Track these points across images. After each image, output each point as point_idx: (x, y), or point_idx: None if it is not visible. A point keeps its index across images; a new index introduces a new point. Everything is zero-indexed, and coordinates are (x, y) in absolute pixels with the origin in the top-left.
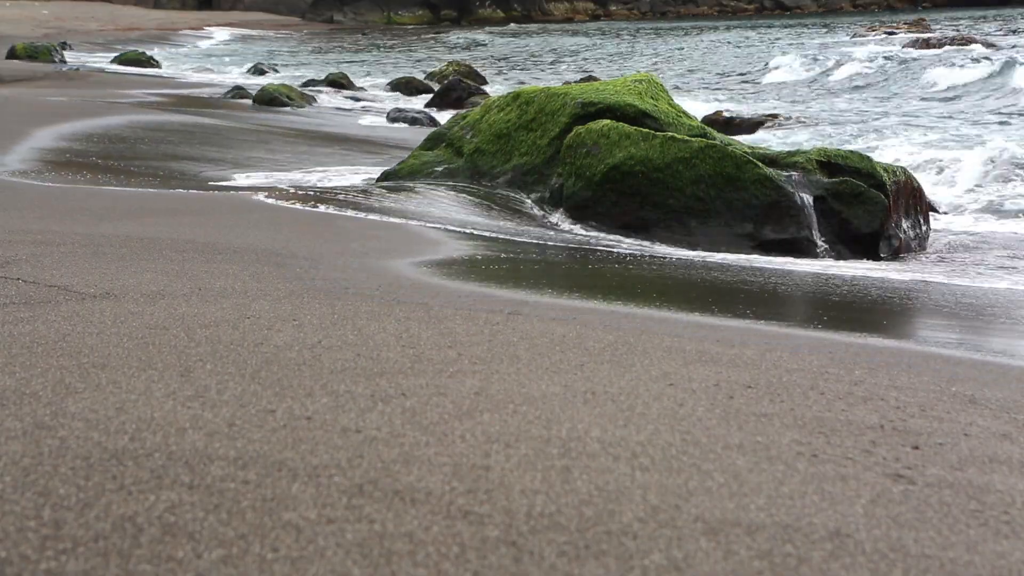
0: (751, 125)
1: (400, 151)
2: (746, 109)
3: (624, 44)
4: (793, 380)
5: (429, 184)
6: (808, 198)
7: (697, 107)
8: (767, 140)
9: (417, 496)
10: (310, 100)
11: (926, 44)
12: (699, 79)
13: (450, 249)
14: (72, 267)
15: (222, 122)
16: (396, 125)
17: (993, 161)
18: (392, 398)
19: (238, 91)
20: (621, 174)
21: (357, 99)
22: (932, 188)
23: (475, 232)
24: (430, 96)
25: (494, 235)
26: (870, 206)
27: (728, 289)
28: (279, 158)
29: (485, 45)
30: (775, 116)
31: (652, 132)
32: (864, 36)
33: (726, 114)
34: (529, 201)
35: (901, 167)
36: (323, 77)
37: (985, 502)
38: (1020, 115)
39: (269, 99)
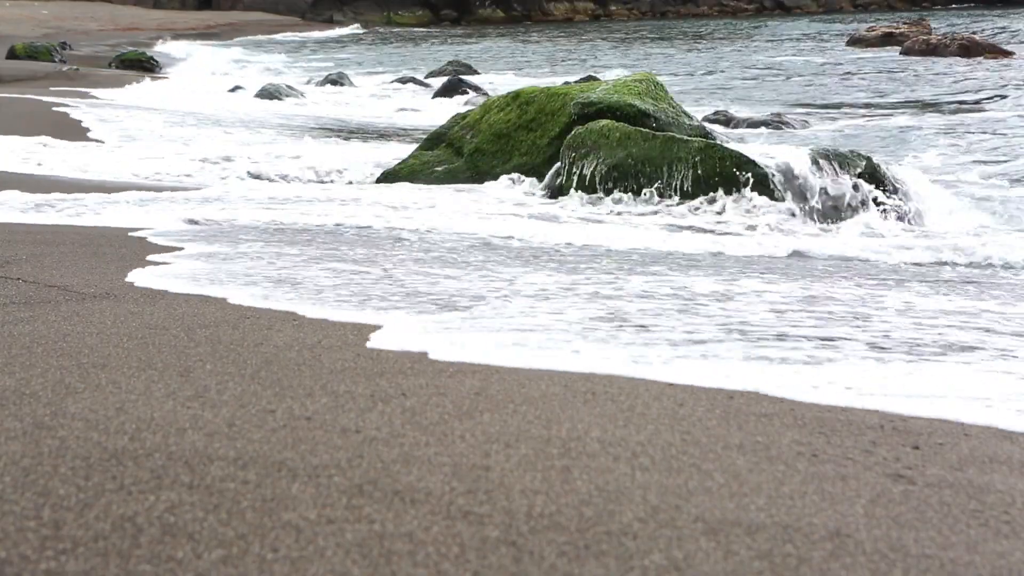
0: (752, 125)
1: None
2: (747, 109)
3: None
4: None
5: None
6: None
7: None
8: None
9: (417, 496)
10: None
11: (927, 46)
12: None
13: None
14: (72, 267)
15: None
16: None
17: None
18: (392, 398)
19: (236, 88)
20: (621, 173)
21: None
22: None
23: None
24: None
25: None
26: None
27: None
28: None
29: (485, 44)
30: (778, 116)
31: (652, 132)
32: (864, 36)
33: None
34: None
35: (899, 166)
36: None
37: (985, 502)
38: None
39: (270, 95)
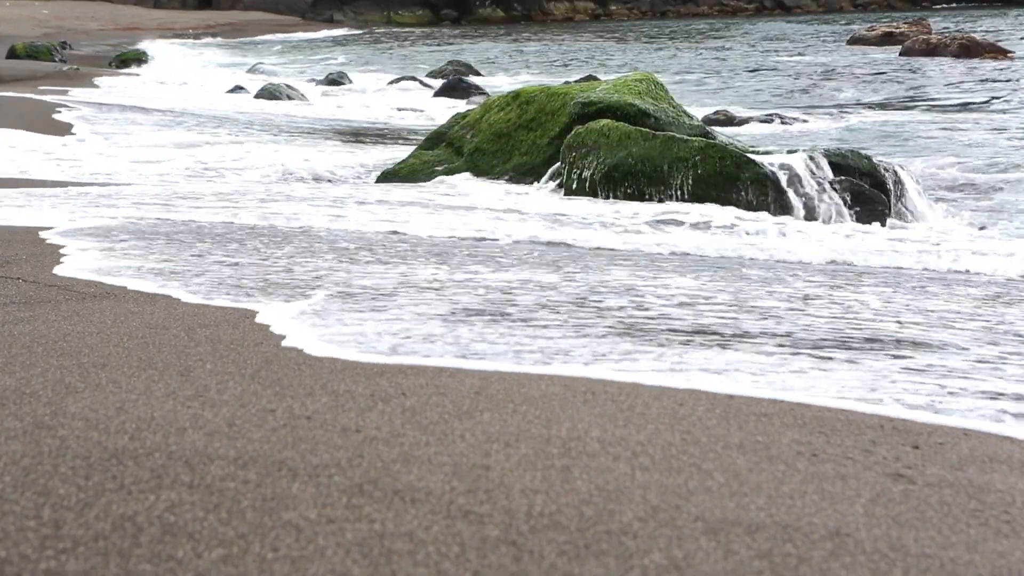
0: (752, 125)
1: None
2: (748, 109)
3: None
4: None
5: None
6: None
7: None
8: (768, 140)
9: (417, 496)
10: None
11: (927, 45)
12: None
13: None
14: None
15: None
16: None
17: None
18: (392, 398)
19: (238, 88)
20: (621, 173)
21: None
22: None
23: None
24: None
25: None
26: (871, 205)
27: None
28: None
29: (485, 44)
30: (778, 115)
31: (652, 132)
32: (864, 36)
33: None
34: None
35: (900, 166)
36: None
37: (985, 502)
38: None
39: (270, 95)
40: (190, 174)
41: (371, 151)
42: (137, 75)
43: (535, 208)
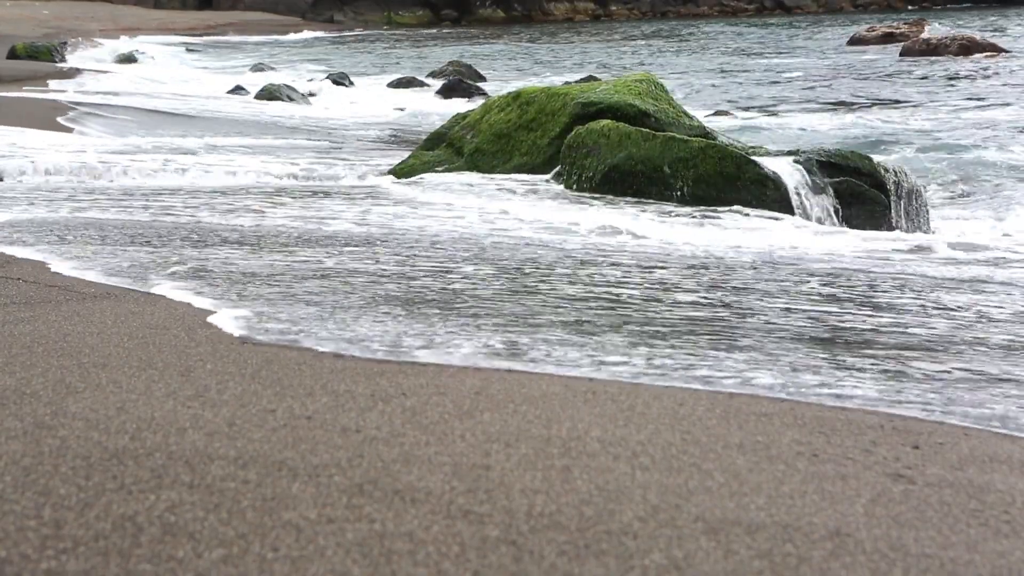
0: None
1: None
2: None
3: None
4: None
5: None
6: None
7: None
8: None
9: (417, 496)
10: (301, 96)
11: (927, 45)
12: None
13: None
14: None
15: None
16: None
17: None
18: (392, 398)
19: (238, 89)
20: (621, 174)
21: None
22: None
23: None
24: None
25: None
26: (871, 206)
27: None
28: None
29: (485, 44)
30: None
31: (652, 132)
32: (864, 36)
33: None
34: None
35: (900, 167)
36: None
37: (985, 502)
38: None
39: (270, 96)
40: (192, 173)
41: (371, 151)
42: (135, 75)
43: (516, 210)
